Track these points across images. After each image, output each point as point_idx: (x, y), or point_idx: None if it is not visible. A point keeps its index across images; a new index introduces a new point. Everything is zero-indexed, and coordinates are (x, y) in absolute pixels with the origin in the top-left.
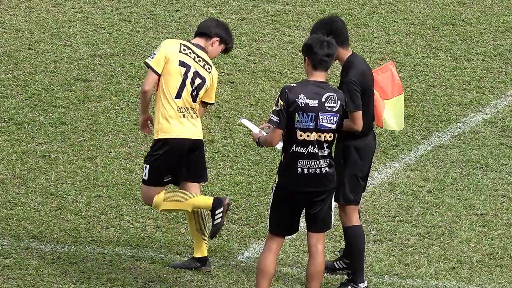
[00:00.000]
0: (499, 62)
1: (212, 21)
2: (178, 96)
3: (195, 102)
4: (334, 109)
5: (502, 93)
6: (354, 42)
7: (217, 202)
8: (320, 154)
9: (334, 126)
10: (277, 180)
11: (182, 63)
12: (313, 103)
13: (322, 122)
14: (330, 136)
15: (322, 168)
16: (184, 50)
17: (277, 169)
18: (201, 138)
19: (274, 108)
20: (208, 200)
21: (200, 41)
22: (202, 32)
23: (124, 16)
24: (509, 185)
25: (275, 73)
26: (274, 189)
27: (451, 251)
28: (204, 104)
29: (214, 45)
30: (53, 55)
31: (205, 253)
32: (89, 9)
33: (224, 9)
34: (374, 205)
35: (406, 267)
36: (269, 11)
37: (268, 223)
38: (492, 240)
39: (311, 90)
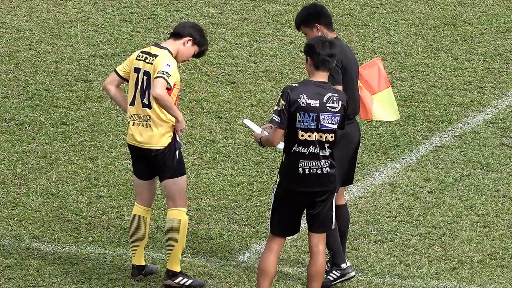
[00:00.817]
0: (500, 62)
1: (188, 23)
2: (132, 103)
3: (149, 108)
4: (336, 110)
5: (503, 93)
6: (355, 43)
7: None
8: (321, 154)
9: (335, 126)
10: (278, 180)
11: (135, 70)
12: (315, 103)
13: (324, 122)
14: (331, 137)
15: (323, 168)
16: (139, 56)
17: (278, 170)
18: (151, 147)
19: (275, 108)
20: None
21: (169, 42)
22: (175, 33)
23: (125, 16)
24: (510, 186)
25: (276, 74)
26: (275, 189)
27: (452, 252)
28: (155, 79)
29: (187, 45)
30: (54, 55)
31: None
32: (90, 10)
33: (225, 9)
34: (375, 205)
35: (407, 267)
36: (270, 11)
37: (269, 223)
38: (493, 240)
39: (312, 90)
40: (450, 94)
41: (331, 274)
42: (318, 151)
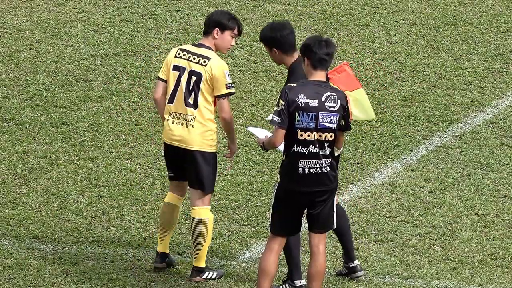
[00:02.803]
0: (500, 62)
1: (209, 16)
2: (171, 101)
3: (194, 108)
4: (334, 109)
5: (504, 93)
6: (356, 43)
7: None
8: (321, 153)
9: (334, 125)
10: (278, 180)
11: (176, 67)
12: (313, 102)
13: (323, 122)
14: (331, 136)
15: (323, 168)
16: (179, 54)
17: (278, 170)
18: (191, 148)
19: (275, 108)
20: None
21: (203, 40)
22: (204, 31)
23: (125, 16)
24: (510, 186)
25: (276, 73)
26: (275, 189)
27: (452, 252)
28: (217, 98)
29: (218, 36)
30: (54, 55)
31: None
32: (90, 10)
33: (225, 9)
34: (375, 205)
35: (408, 267)
36: (271, 11)
37: (269, 223)
38: (493, 240)
39: (311, 89)
40: (450, 94)
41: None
42: (318, 151)
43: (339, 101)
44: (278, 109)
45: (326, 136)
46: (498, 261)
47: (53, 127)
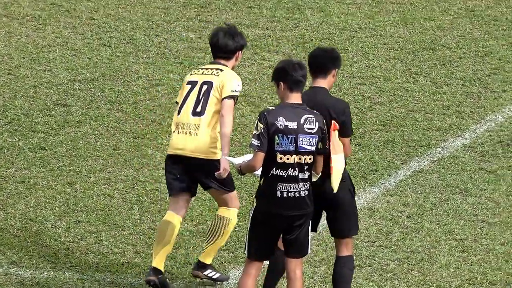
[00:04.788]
0: (479, 86)
1: (225, 39)
2: (179, 112)
3: (200, 115)
4: (313, 131)
5: (482, 118)
6: None
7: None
8: (300, 177)
9: (313, 148)
10: (255, 204)
11: (189, 82)
12: (292, 125)
13: (302, 144)
14: (310, 159)
15: (301, 192)
16: (194, 72)
17: (255, 194)
18: (198, 155)
19: (254, 132)
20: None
21: (221, 60)
22: (225, 57)
23: (104, 41)
24: (488, 210)
25: (254, 98)
26: (252, 214)
27: (431, 277)
28: (225, 99)
29: (239, 56)
30: (33, 80)
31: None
32: (69, 34)
33: (203, 34)
34: None
35: None
36: (249, 35)
37: (246, 248)
38: (471, 265)
39: (289, 112)
40: (428, 119)
41: None
42: (297, 174)
43: (317, 123)
44: (257, 133)
45: (305, 159)
46: (476, 286)
47: (31, 152)
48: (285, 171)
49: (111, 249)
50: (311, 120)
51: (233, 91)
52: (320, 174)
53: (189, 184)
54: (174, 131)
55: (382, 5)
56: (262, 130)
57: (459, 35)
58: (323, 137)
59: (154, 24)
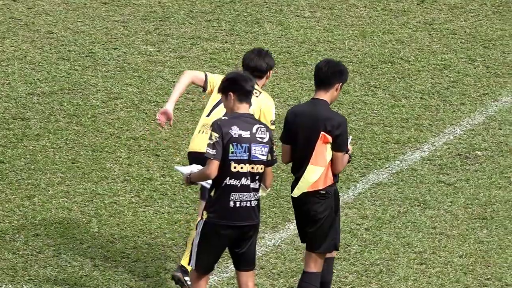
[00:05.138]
0: (437, 99)
1: (259, 60)
2: (208, 114)
3: None
4: (265, 140)
5: (440, 130)
6: (293, 80)
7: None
8: (252, 186)
9: (265, 157)
10: (205, 217)
11: None
12: (246, 134)
13: (255, 153)
14: (261, 168)
15: (252, 202)
16: None
17: (203, 207)
18: None
19: (208, 142)
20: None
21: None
22: (256, 75)
23: (62, 54)
24: (446, 223)
25: None
26: (201, 227)
27: None
28: None
29: (269, 76)
30: None
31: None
32: (28, 48)
33: (162, 47)
34: None
35: None
36: (208, 49)
37: (194, 262)
38: (429, 277)
39: (241, 121)
40: (387, 132)
41: None
42: (249, 183)
43: (268, 133)
44: (212, 142)
45: (257, 168)
46: None
47: None
48: (238, 181)
49: (69, 262)
50: (262, 130)
51: (272, 122)
52: (269, 188)
53: None
54: (199, 131)
55: (341, 18)
56: (217, 139)
57: (418, 48)
58: (272, 148)
59: (113, 37)
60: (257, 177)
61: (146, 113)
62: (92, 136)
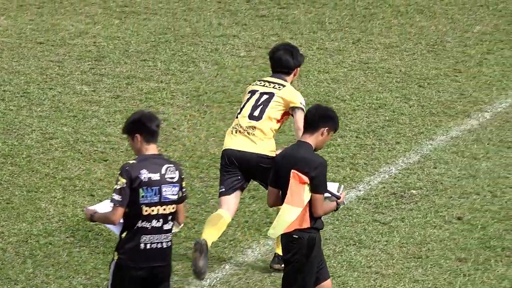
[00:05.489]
0: (373, 138)
1: (286, 55)
2: (237, 115)
3: (257, 120)
4: (175, 180)
5: (375, 169)
6: (229, 120)
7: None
8: (164, 228)
9: (176, 197)
10: (115, 258)
11: (250, 91)
12: (155, 176)
13: (166, 195)
14: (173, 208)
15: (163, 243)
16: (255, 83)
17: (115, 248)
18: (255, 151)
19: (115, 186)
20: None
21: (282, 75)
22: (285, 72)
23: None
24: (382, 262)
25: None
26: (113, 268)
27: None
28: (291, 109)
29: (297, 73)
30: None
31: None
32: None
33: (98, 87)
34: (248, 282)
35: None
36: (143, 88)
37: None
38: None
39: (150, 164)
40: None
41: None
42: (161, 225)
43: (177, 172)
44: (119, 187)
45: (169, 208)
46: None
47: None
48: (149, 223)
49: None
50: (171, 169)
51: (301, 104)
52: (182, 224)
53: (241, 181)
54: (231, 132)
55: None
56: (124, 185)
57: (353, 88)
58: (181, 185)
59: (48, 77)
60: (169, 218)
61: (81, 153)
62: (27, 176)
